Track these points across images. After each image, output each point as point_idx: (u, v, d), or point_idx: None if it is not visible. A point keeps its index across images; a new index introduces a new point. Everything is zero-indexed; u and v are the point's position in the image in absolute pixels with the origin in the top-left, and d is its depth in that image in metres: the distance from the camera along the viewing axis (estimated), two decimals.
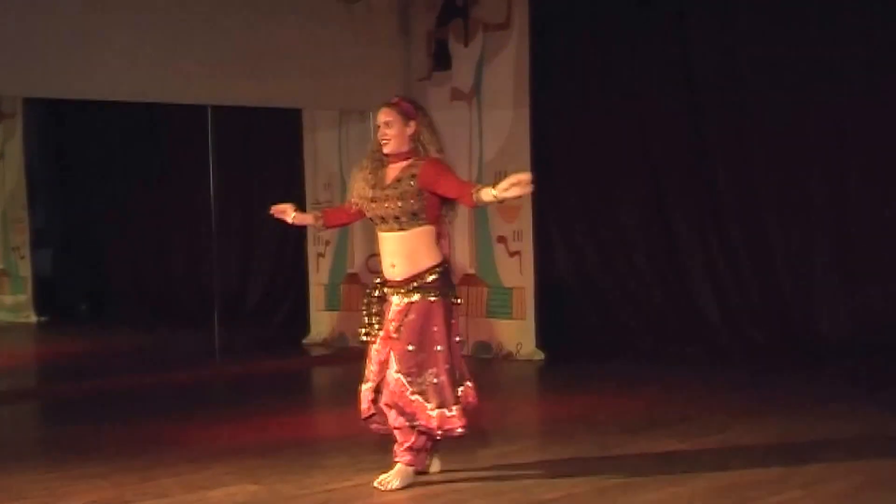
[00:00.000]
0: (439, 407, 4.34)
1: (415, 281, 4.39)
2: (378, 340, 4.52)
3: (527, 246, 8.32)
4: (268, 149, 10.76)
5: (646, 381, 7.10)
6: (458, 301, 4.50)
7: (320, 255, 9.66)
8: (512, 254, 8.37)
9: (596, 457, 4.95)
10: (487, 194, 4.24)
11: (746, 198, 7.87)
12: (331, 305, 9.57)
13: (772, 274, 7.79)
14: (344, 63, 8.49)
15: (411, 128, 4.46)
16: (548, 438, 5.54)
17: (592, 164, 8.55)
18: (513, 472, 4.69)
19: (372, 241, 9.19)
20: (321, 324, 9.63)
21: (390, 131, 4.46)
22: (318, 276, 9.66)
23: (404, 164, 4.47)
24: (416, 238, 4.40)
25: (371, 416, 4.65)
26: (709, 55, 7.96)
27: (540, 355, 8.25)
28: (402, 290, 4.41)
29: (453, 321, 4.45)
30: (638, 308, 8.44)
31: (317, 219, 4.95)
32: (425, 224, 4.41)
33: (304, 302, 9.86)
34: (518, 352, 8.31)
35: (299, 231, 9.95)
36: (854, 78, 7.31)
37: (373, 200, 4.47)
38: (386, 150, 4.49)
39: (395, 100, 4.57)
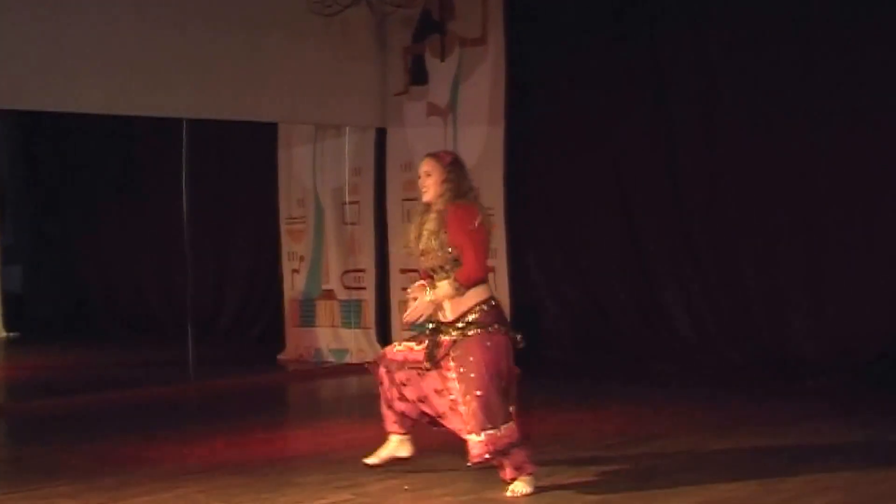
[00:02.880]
0: (470, 433, 4.52)
1: (460, 320, 4.62)
2: (420, 346, 4.73)
3: (500, 263, 8.30)
4: (242, 164, 10.72)
5: (620, 399, 7.08)
6: (501, 329, 4.64)
7: (295, 271, 9.62)
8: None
9: (570, 474, 4.92)
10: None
11: (718, 218, 7.91)
12: (306, 322, 9.51)
13: (744, 294, 7.82)
14: (320, 77, 8.49)
15: (444, 176, 4.69)
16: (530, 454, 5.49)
17: (565, 182, 8.58)
18: (487, 490, 4.64)
19: (346, 258, 9.24)
20: (296, 339, 9.57)
21: (430, 180, 4.70)
22: (293, 293, 9.61)
23: (438, 212, 4.67)
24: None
25: (373, 363, 4.94)
26: (683, 78, 8.01)
27: (514, 370, 8.20)
28: (452, 328, 4.64)
29: (489, 345, 4.58)
30: (612, 327, 8.45)
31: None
32: None
33: (279, 318, 9.80)
34: None
35: (274, 247, 9.91)
36: (824, 103, 7.38)
37: (421, 254, 4.74)
38: (425, 198, 4.74)
39: (438, 152, 4.88)
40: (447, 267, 4.64)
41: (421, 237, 4.69)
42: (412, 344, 4.81)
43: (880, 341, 7.21)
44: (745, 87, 7.70)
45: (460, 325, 4.62)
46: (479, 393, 4.52)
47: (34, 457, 5.80)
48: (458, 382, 4.58)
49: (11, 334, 11.83)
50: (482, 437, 4.51)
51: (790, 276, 7.60)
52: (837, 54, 7.32)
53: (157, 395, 7.81)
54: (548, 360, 8.43)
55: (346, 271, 9.27)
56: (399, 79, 8.87)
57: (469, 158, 8.33)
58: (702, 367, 7.82)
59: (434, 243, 4.63)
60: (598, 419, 6.43)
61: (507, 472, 4.59)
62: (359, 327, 9.15)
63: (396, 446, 4.97)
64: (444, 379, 4.68)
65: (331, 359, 9.25)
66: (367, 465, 4.97)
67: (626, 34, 8.20)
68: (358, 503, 4.58)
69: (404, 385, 4.84)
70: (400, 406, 4.90)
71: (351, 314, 9.19)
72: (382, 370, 4.88)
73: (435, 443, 5.10)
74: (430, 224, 4.66)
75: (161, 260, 11.26)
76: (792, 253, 7.60)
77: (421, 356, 4.72)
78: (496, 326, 4.64)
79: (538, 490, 4.61)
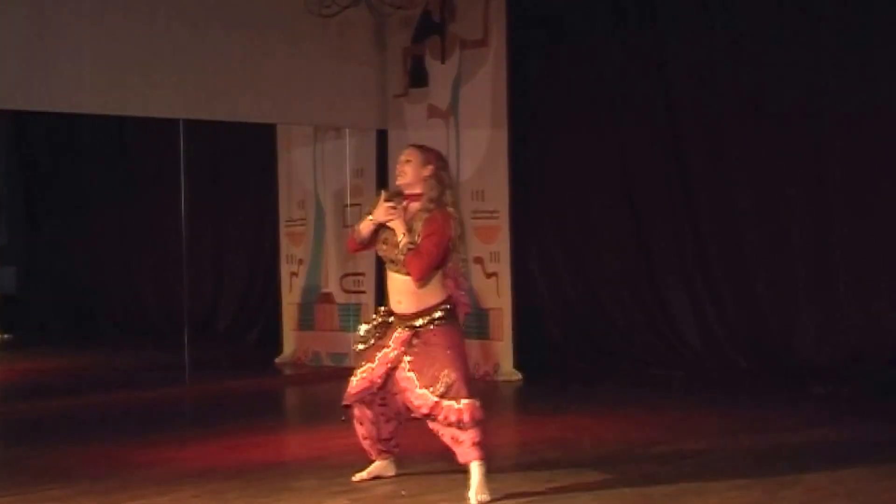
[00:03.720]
0: (452, 399, 4.52)
1: (420, 317, 4.64)
2: (377, 358, 4.71)
3: (504, 267, 8.25)
4: (240, 166, 10.67)
5: (624, 404, 7.03)
6: (460, 326, 4.73)
7: (293, 274, 9.56)
8: (489, 275, 8.29)
9: (572, 481, 4.86)
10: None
11: (726, 221, 7.86)
12: (305, 325, 9.45)
13: (752, 297, 7.77)
14: (320, 79, 8.45)
15: (427, 171, 4.69)
16: (524, 460, 5.44)
17: (570, 185, 8.54)
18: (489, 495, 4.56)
19: (346, 261, 9.18)
20: (294, 343, 9.51)
21: (407, 167, 4.73)
22: (292, 296, 9.55)
23: (416, 207, 4.68)
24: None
25: (348, 406, 4.84)
26: (688, 78, 7.98)
27: (517, 375, 8.17)
28: (408, 322, 4.66)
29: (456, 331, 4.66)
30: (617, 330, 8.40)
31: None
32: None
33: (276, 321, 9.74)
34: (496, 372, 8.22)
35: (271, 249, 9.86)
36: (832, 105, 7.35)
37: (383, 242, 4.71)
38: (399, 181, 4.74)
39: (423, 145, 4.89)
40: (399, 263, 4.64)
41: (409, 229, 4.62)
42: (367, 365, 4.74)
43: (889, 348, 7.15)
44: (752, 89, 7.65)
45: (423, 320, 4.63)
46: (457, 364, 4.57)
47: (27, 459, 5.73)
48: (430, 364, 4.56)
49: (6, 336, 11.76)
50: (462, 404, 4.50)
51: (798, 280, 7.56)
52: (850, 51, 7.26)
53: (153, 398, 7.76)
54: (551, 363, 8.39)
55: (346, 274, 9.21)
56: (398, 81, 8.82)
57: (472, 161, 8.37)
58: (707, 372, 7.76)
59: (414, 237, 4.60)
60: (600, 424, 6.37)
61: (467, 451, 4.52)
62: (355, 331, 9.08)
63: (382, 467, 4.95)
64: (402, 371, 4.64)
65: (329, 363, 9.18)
66: (354, 481, 4.90)
67: (628, 35, 8.17)
68: None
69: (383, 405, 4.79)
70: (388, 429, 4.85)
71: (350, 317, 9.13)
72: (357, 412, 4.82)
73: (431, 448, 5.03)
74: (418, 223, 4.62)
75: (157, 262, 11.19)
76: (800, 257, 7.55)
77: (382, 370, 4.68)
78: (457, 324, 4.70)
79: (532, 494, 4.57)
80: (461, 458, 4.58)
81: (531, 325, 8.46)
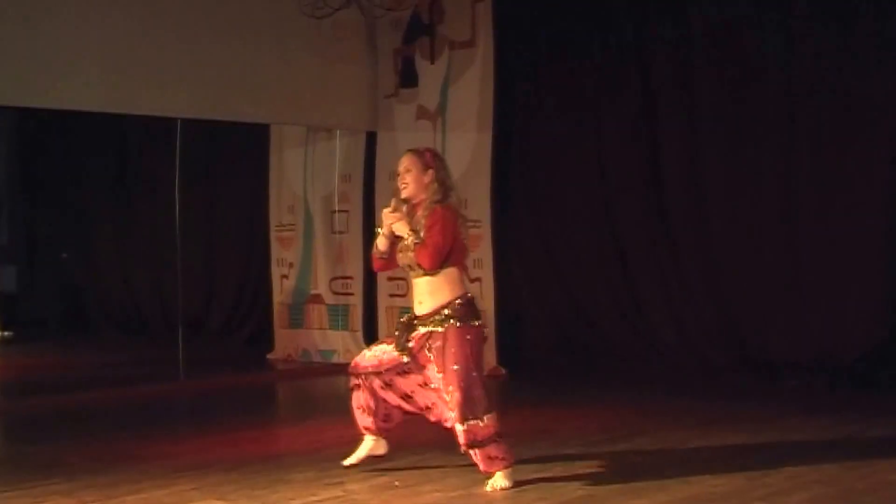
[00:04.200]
0: (464, 420, 4.56)
1: (437, 314, 4.68)
2: (390, 348, 4.81)
3: (487, 273, 8.36)
4: (234, 166, 10.74)
5: (604, 400, 7.12)
6: (479, 324, 4.72)
7: (284, 276, 9.65)
8: (472, 280, 8.38)
9: (558, 471, 4.96)
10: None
11: (700, 223, 7.95)
12: (295, 323, 9.56)
13: (725, 296, 7.86)
14: (311, 79, 8.51)
15: (429, 176, 4.74)
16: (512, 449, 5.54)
17: (550, 189, 8.61)
18: (477, 485, 4.68)
19: (335, 265, 9.27)
20: (285, 339, 9.61)
21: (409, 177, 4.76)
22: (282, 297, 9.65)
23: (420, 212, 4.73)
24: (440, 280, 4.70)
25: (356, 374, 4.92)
26: (670, 84, 8.04)
27: (500, 370, 8.27)
28: (427, 322, 4.72)
29: (469, 338, 4.64)
30: (596, 331, 8.48)
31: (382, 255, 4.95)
32: (447, 266, 4.70)
33: (268, 319, 9.83)
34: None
35: (264, 248, 9.94)
36: (803, 108, 7.44)
37: (401, 250, 4.79)
38: (404, 194, 4.78)
39: (418, 148, 4.92)
40: (418, 268, 4.72)
41: (415, 232, 4.70)
42: (384, 346, 4.86)
43: (860, 342, 7.26)
44: (730, 94, 7.74)
45: (438, 317, 4.67)
46: (462, 384, 4.57)
47: (27, 455, 5.79)
48: (440, 373, 4.63)
49: (5, 333, 11.83)
50: (465, 426, 4.57)
51: (771, 278, 7.64)
52: (821, 57, 7.37)
53: (149, 394, 7.83)
54: (532, 364, 8.49)
55: (335, 278, 9.30)
56: (389, 81, 8.91)
57: (458, 165, 8.39)
58: (684, 369, 7.86)
59: (413, 243, 4.68)
60: (582, 417, 6.47)
61: (483, 464, 4.64)
62: (346, 330, 9.20)
63: (373, 445, 5.02)
64: (424, 371, 4.73)
65: (319, 358, 9.29)
66: (345, 466, 4.99)
67: (613, 40, 8.22)
68: (348, 500, 4.61)
69: (385, 389, 4.88)
70: (385, 409, 4.94)
71: (338, 317, 9.24)
72: (357, 381, 4.93)
73: (425, 439, 5.15)
74: (421, 225, 4.70)
75: (153, 261, 11.26)
76: (773, 255, 7.63)
77: (394, 357, 4.78)
78: (473, 321, 4.70)
79: (520, 484, 4.66)
80: (482, 468, 4.68)
81: (513, 327, 8.58)
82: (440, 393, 4.72)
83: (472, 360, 4.64)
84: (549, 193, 8.61)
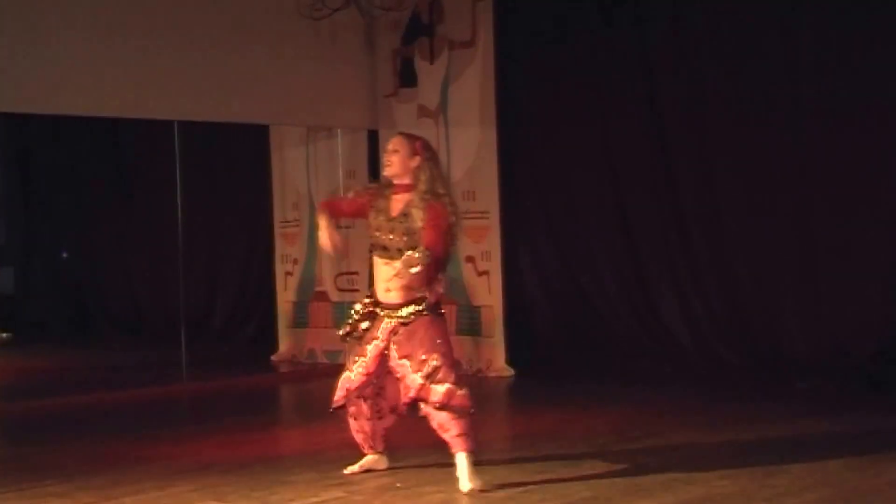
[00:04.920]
0: (436, 382, 4.57)
1: (405, 306, 4.66)
2: (368, 351, 4.76)
3: (495, 266, 8.33)
4: (235, 166, 10.73)
5: (614, 398, 7.10)
6: (441, 316, 4.76)
7: (288, 273, 9.63)
8: (480, 273, 8.37)
9: (564, 472, 4.94)
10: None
11: (712, 218, 7.93)
12: (299, 323, 9.53)
13: (738, 293, 7.84)
14: (310, 79, 8.51)
15: (415, 161, 4.68)
16: (516, 454, 5.50)
17: (559, 183, 8.61)
18: (483, 487, 4.64)
19: (340, 260, 9.24)
20: (289, 340, 9.58)
21: (395, 158, 4.71)
22: (286, 294, 9.62)
23: (408, 197, 4.66)
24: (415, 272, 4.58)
25: (341, 407, 4.92)
26: (673, 75, 8.04)
27: (509, 371, 8.25)
28: (394, 313, 4.68)
29: (441, 321, 4.73)
30: (606, 326, 8.47)
31: (330, 224, 4.91)
32: (428, 259, 4.57)
33: (272, 319, 9.80)
34: (488, 368, 8.30)
35: (266, 248, 9.92)
36: (815, 100, 7.40)
37: (376, 229, 4.67)
38: (387, 172, 4.74)
39: (409, 133, 4.91)
40: (404, 252, 4.60)
41: (404, 216, 4.64)
42: (359, 359, 4.81)
43: (872, 343, 7.24)
44: (737, 85, 7.70)
45: (408, 310, 4.65)
46: (444, 352, 4.61)
47: (27, 456, 5.78)
48: (403, 358, 4.61)
49: (4, 335, 11.81)
50: (445, 387, 4.56)
51: (784, 276, 7.63)
52: (834, 45, 7.31)
53: (150, 396, 7.81)
54: (541, 360, 8.47)
55: (340, 274, 9.27)
56: (388, 81, 8.89)
57: (463, 160, 8.44)
58: (695, 367, 7.85)
59: (401, 226, 4.63)
60: (590, 417, 6.45)
61: (455, 438, 4.57)
62: (343, 325, 9.15)
63: (374, 461, 5.00)
64: (395, 360, 4.68)
65: (324, 359, 9.26)
66: (346, 474, 4.96)
67: (614, 35, 8.22)
68: (350, 501, 4.59)
69: (379, 398, 4.85)
70: (382, 425, 4.92)
71: (344, 316, 9.19)
72: (353, 408, 4.89)
73: (426, 441, 5.11)
74: (416, 211, 4.63)
75: (154, 261, 11.24)
76: (786, 253, 7.62)
77: (374, 363, 4.74)
78: (442, 315, 4.74)
79: (525, 484, 4.63)
80: (451, 448, 4.65)
81: (522, 322, 8.54)
82: (405, 379, 4.66)
83: (447, 337, 4.68)
84: (557, 188, 8.59)
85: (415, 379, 4.63)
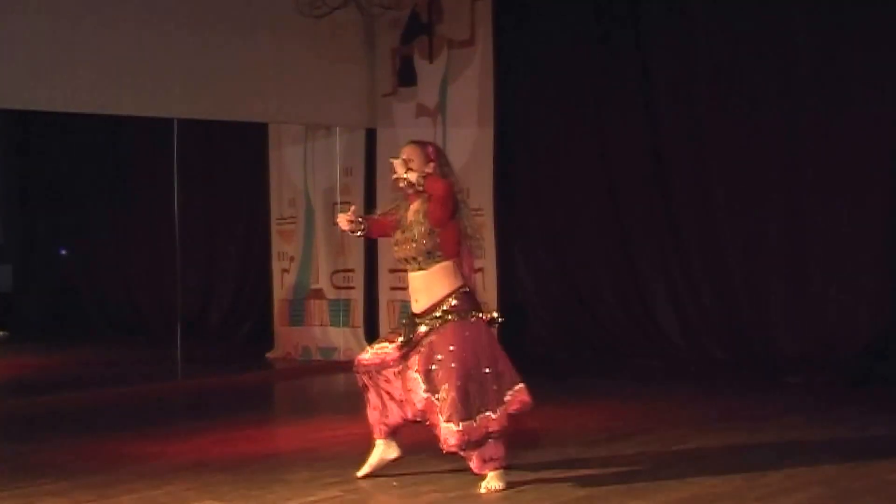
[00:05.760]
0: (448, 421, 4.49)
1: (434, 310, 4.64)
2: (396, 341, 4.72)
3: (489, 263, 8.35)
4: (232, 165, 10.74)
5: (606, 396, 7.13)
6: (481, 315, 4.66)
7: (285, 270, 9.65)
8: (475, 270, 8.36)
9: (557, 471, 4.96)
10: None
11: (704, 217, 7.97)
12: (295, 321, 9.55)
13: (729, 291, 7.88)
14: (309, 78, 8.53)
15: (430, 167, 4.69)
16: (510, 451, 5.51)
17: (553, 182, 8.64)
18: (474, 486, 4.66)
19: (336, 257, 9.27)
20: (285, 339, 9.60)
21: (411, 165, 4.70)
22: (283, 292, 9.64)
23: (418, 203, 4.69)
24: (435, 274, 4.66)
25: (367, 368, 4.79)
26: (669, 77, 8.07)
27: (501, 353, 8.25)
28: (427, 319, 4.66)
29: (467, 335, 4.58)
30: (598, 325, 8.50)
31: (358, 225, 4.88)
32: (443, 260, 4.67)
33: (268, 317, 9.83)
34: None
35: (263, 246, 9.94)
36: (807, 103, 7.45)
37: (396, 244, 4.76)
38: (402, 182, 4.72)
39: (421, 140, 4.90)
40: (420, 259, 4.65)
41: (413, 223, 4.66)
42: (385, 344, 4.78)
43: (861, 338, 7.27)
44: (731, 86, 7.75)
45: (436, 314, 4.62)
46: (458, 383, 4.50)
47: (23, 454, 5.78)
48: (437, 370, 4.53)
49: (1, 333, 11.83)
50: (460, 427, 4.48)
51: (774, 273, 7.67)
52: (826, 49, 7.36)
53: (146, 394, 7.82)
54: (534, 357, 8.47)
55: (336, 271, 9.30)
56: (387, 80, 8.91)
57: (459, 159, 8.44)
58: (686, 364, 7.89)
59: (417, 230, 4.63)
60: (582, 415, 6.47)
61: (476, 464, 4.58)
62: (347, 326, 9.20)
63: (384, 450, 4.93)
64: (410, 370, 4.62)
65: (319, 357, 9.28)
66: (358, 477, 4.90)
67: (612, 35, 8.25)
68: (346, 500, 4.59)
69: (389, 384, 4.81)
70: (391, 407, 4.85)
71: (339, 313, 9.23)
72: (364, 378, 4.83)
73: (423, 440, 5.12)
74: (420, 216, 4.64)
75: (150, 259, 11.27)
76: (776, 251, 7.66)
77: (397, 355, 4.69)
78: (473, 315, 4.64)
79: (519, 485, 4.64)
80: (474, 469, 4.62)
81: (516, 320, 8.55)
82: (418, 388, 4.61)
83: (470, 357, 4.55)
84: (552, 186, 8.64)
85: (428, 399, 4.56)
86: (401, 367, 4.70)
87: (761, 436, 5.69)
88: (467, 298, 4.67)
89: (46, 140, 12.17)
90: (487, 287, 8.34)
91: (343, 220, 4.81)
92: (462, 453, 4.59)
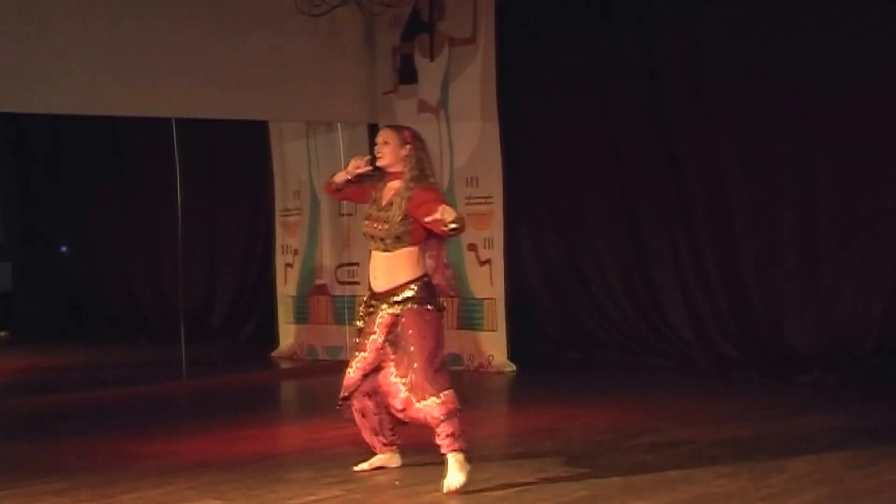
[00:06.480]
0: (425, 399, 4.59)
1: (394, 294, 4.70)
2: (367, 345, 4.79)
3: (497, 254, 8.32)
4: (234, 162, 10.72)
5: (615, 394, 7.10)
6: (435, 307, 4.73)
7: (288, 265, 9.62)
8: (482, 262, 8.36)
9: (561, 471, 4.93)
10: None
11: (717, 211, 7.92)
12: (300, 318, 9.52)
13: (741, 287, 7.83)
14: (310, 76, 8.51)
15: (405, 150, 4.79)
16: (515, 451, 5.50)
17: (561, 176, 8.60)
18: (478, 486, 4.64)
19: (341, 251, 9.24)
20: (289, 336, 9.57)
21: (386, 149, 4.83)
22: (286, 288, 9.61)
23: (398, 185, 4.76)
24: (398, 258, 4.73)
25: (347, 398, 4.88)
26: (675, 68, 8.01)
27: (511, 367, 8.24)
28: (386, 302, 4.72)
29: (427, 319, 4.67)
30: (608, 320, 8.47)
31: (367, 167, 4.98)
32: (408, 246, 4.72)
33: (272, 315, 9.80)
34: (489, 363, 8.29)
35: (266, 244, 9.92)
36: (821, 89, 7.37)
37: (367, 218, 4.83)
38: (379, 163, 4.84)
39: (397, 125, 5.03)
40: (388, 241, 4.71)
41: (390, 204, 4.72)
42: (361, 354, 4.81)
43: (874, 337, 7.22)
44: (740, 78, 7.66)
45: (396, 299, 4.68)
46: (425, 361, 4.60)
47: (24, 454, 5.78)
48: (402, 356, 4.65)
49: (1, 333, 11.82)
50: (440, 397, 4.58)
51: (786, 270, 7.61)
52: (837, 35, 7.25)
53: (149, 393, 7.82)
54: (542, 353, 8.48)
55: (341, 265, 9.26)
56: (388, 78, 8.88)
57: (466, 148, 8.44)
58: (697, 362, 7.85)
59: (394, 212, 4.69)
60: (590, 414, 6.44)
61: (446, 441, 4.57)
62: (352, 324, 9.15)
63: (387, 459, 4.99)
64: (390, 376, 4.72)
65: (324, 356, 9.25)
66: (356, 472, 4.95)
67: (615, 30, 8.20)
68: (348, 499, 4.58)
69: (376, 394, 4.84)
70: (390, 421, 4.89)
71: (345, 310, 9.20)
72: (358, 404, 4.87)
73: (424, 440, 5.09)
74: (399, 199, 4.70)
75: (153, 258, 11.25)
76: (789, 248, 7.60)
77: (373, 356, 4.76)
78: (430, 305, 4.71)
79: (522, 484, 4.61)
80: (440, 450, 4.63)
81: (524, 315, 8.53)
82: (390, 398, 4.74)
83: (431, 340, 4.65)
84: (560, 180, 8.58)
85: (400, 390, 4.68)
86: (378, 363, 4.77)
87: (769, 434, 5.66)
88: (427, 287, 4.73)
89: (46, 138, 12.15)
90: (495, 278, 8.30)
91: (355, 161, 4.92)
92: (445, 424, 4.57)
